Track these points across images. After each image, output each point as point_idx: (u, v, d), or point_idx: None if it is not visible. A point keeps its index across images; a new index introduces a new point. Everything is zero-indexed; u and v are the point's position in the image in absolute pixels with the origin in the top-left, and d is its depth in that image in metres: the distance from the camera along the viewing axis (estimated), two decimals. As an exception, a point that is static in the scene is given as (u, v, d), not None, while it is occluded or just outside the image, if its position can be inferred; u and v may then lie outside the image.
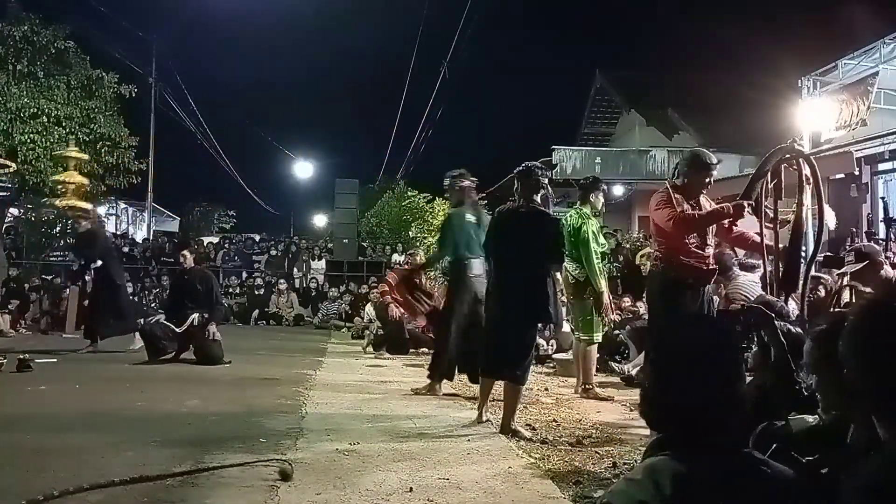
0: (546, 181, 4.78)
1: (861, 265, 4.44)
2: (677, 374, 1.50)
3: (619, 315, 8.78)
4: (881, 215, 10.27)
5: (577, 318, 6.21)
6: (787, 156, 4.17)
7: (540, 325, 5.13)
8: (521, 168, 4.77)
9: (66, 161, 14.30)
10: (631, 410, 5.36)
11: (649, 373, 1.62)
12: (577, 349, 6.34)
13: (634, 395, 5.60)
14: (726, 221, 4.25)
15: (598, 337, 6.15)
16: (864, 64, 10.39)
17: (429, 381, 6.05)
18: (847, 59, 10.65)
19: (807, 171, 4.09)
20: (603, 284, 5.88)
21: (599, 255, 5.89)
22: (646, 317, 6.69)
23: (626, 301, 9.55)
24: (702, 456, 1.40)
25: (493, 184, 19.28)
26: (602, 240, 6.16)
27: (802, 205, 4.13)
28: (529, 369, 4.74)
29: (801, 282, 3.99)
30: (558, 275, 5.67)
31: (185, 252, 8.49)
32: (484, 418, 4.77)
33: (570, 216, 6.04)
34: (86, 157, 14.81)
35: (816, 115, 10.65)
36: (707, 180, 4.37)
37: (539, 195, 4.72)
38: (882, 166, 11.39)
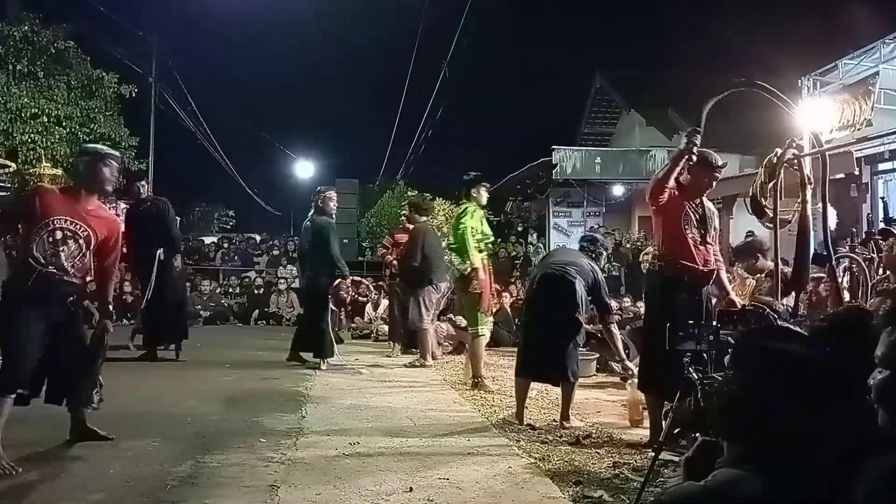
0: None
1: None
2: (776, 387, 1.41)
3: (619, 315, 8.78)
4: (881, 215, 10.28)
5: (465, 310, 6.58)
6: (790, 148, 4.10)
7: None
8: None
9: (41, 179, 14.14)
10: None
11: (736, 384, 1.51)
12: (468, 342, 6.62)
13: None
14: (684, 162, 4.20)
15: (484, 330, 6.33)
16: (864, 64, 10.36)
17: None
18: (847, 59, 10.62)
19: (807, 169, 4.07)
20: (480, 269, 6.10)
21: (478, 244, 6.20)
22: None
23: (627, 301, 9.56)
24: (789, 472, 1.33)
25: (493, 184, 19.27)
26: (487, 230, 6.44)
27: (806, 203, 4.08)
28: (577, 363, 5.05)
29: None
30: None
31: (143, 183, 8.13)
32: (525, 420, 4.91)
33: (457, 211, 6.59)
34: (58, 171, 14.60)
35: (817, 115, 10.64)
36: (711, 181, 4.37)
37: None
38: (882, 166, 11.37)
